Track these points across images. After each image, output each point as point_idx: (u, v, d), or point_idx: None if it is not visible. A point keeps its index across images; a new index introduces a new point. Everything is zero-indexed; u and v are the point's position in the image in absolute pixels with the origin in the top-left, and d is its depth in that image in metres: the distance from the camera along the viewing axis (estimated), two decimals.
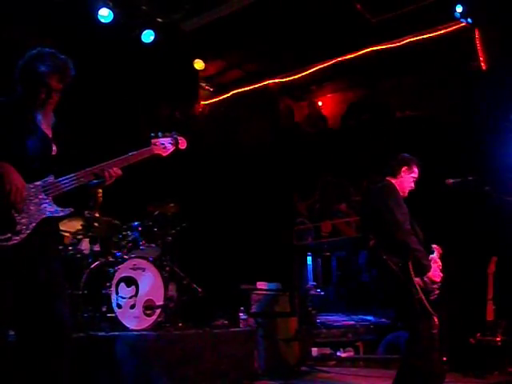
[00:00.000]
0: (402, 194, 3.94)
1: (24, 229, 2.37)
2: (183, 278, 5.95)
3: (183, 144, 2.97)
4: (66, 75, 2.62)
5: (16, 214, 2.36)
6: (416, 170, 4.04)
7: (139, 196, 6.18)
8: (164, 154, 2.89)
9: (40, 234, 2.42)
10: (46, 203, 2.47)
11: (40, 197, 2.46)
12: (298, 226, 7.67)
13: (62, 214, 2.51)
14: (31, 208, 2.41)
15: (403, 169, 4.00)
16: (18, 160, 2.39)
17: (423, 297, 3.55)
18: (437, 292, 3.66)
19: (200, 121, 8.95)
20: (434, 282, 3.67)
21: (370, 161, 7.85)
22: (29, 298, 2.41)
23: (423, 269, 3.65)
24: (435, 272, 3.69)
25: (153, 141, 2.87)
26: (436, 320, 3.59)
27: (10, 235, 2.32)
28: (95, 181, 2.66)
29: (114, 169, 2.66)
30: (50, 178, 2.51)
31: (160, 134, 2.90)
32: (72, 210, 2.55)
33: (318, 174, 8.65)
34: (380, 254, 3.70)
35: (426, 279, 3.65)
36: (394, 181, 3.98)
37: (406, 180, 4.00)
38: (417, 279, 3.59)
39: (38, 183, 2.47)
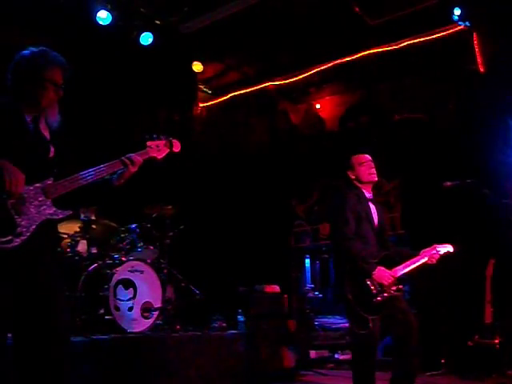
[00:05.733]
0: (367, 184, 4.02)
1: (24, 231, 2.35)
2: (181, 281, 5.94)
3: (177, 147, 2.98)
4: (66, 70, 2.64)
5: (16, 216, 2.35)
6: (355, 158, 4.08)
7: (137, 198, 6.17)
8: (159, 157, 2.90)
9: (40, 236, 2.41)
10: (46, 205, 2.46)
11: (40, 199, 2.44)
12: (296, 229, 7.67)
13: (61, 215, 2.50)
14: (31, 210, 2.40)
15: (348, 173, 4.07)
16: (16, 162, 2.38)
17: (351, 298, 3.60)
18: (387, 294, 3.61)
19: (198, 123, 8.95)
20: (381, 285, 3.62)
21: None
22: (28, 301, 2.39)
23: (363, 272, 3.66)
24: (384, 275, 3.63)
25: (148, 143, 2.87)
26: (370, 321, 3.58)
27: (11, 237, 2.31)
28: (116, 175, 2.68)
29: (136, 156, 2.70)
30: (50, 180, 2.50)
31: (155, 136, 2.91)
32: (71, 212, 2.55)
33: (316, 177, 8.66)
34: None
35: (368, 281, 3.63)
36: (355, 184, 4.04)
37: (359, 174, 4.02)
38: (361, 280, 3.64)
39: (37, 185, 2.46)
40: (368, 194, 4.01)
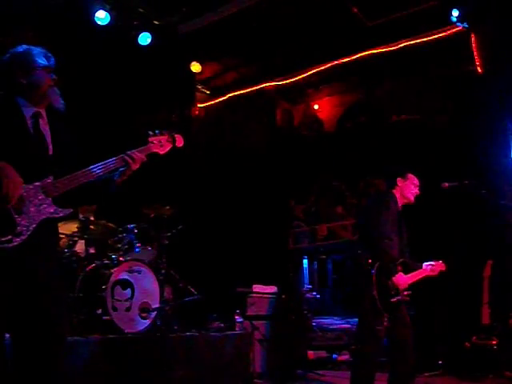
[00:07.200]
0: (405, 200, 4.21)
1: (24, 230, 2.34)
2: (179, 281, 5.94)
3: (180, 142, 2.94)
4: (50, 57, 2.66)
5: (16, 215, 2.34)
6: (411, 176, 4.27)
7: (135, 198, 6.16)
8: (161, 152, 2.87)
9: (40, 235, 2.40)
10: (46, 204, 2.45)
11: (40, 198, 2.43)
12: (294, 229, 7.67)
13: (61, 214, 2.49)
14: (31, 209, 2.39)
15: (398, 179, 4.23)
16: (14, 161, 2.37)
17: (376, 294, 3.82)
18: (400, 298, 3.88)
19: (196, 123, 8.94)
20: (397, 288, 3.90)
21: (366, 164, 7.88)
22: (27, 300, 2.39)
23: (387, 272, 3.90)
24: (402, 280, 3.92)
25: (150, 139, 2.84)
26: (385, 319, 3.87)
27: (10, 237, 2.30)
28: (117, 172, 2.67)
29: (136, 153, 2.68)
30: (49, 179, 2.49)
31: (157, 131, 2.89)
32: (72, 210, 2.54)
33: (314, 177, 8.66)
34: (357, 248, 4.10)
35: (389, 282, 3.89)
36: (395, 192, 4.23)
37: (406, 187, 4.21)
38: (384, 280, 3.88)
39: (37, 184, 2.45)
40: (400, 207, 4.23)
